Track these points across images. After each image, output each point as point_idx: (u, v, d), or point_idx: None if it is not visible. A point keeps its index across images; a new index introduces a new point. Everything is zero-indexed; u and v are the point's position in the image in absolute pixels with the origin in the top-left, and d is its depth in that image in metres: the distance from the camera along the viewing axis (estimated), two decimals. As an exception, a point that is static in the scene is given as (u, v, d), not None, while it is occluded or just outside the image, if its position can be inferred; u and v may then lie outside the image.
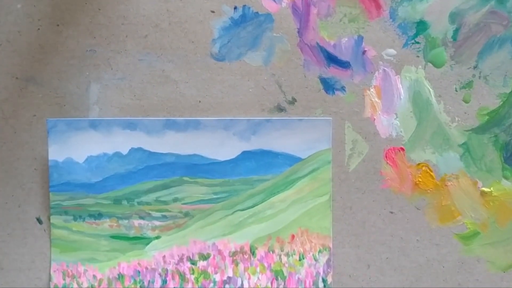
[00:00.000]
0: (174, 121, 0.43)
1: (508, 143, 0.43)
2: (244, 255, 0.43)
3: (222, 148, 0.43)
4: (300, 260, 0.43)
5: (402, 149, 0.43)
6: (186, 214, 0.43)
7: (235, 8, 0.42)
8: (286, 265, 0.43)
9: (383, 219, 0.43)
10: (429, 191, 0.43)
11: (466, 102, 0.43)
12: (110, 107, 0.43)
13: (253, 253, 0.43)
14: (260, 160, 0.43)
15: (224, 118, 0.43)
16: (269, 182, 0.43)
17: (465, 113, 0.43)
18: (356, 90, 0.43)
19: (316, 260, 0.43)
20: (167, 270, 0.43)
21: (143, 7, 0.42)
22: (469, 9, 0.43)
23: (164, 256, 0.43)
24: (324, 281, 0.43)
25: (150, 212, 0.43)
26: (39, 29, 0.42)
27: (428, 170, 0.43)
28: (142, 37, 0.42)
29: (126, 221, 0.43)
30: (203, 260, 0.43)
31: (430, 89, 0.43)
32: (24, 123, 0.43)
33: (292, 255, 0.43)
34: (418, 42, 0.43)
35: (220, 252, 0.43)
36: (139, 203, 0.43)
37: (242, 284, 0.43)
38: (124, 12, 0.42)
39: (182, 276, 0.43)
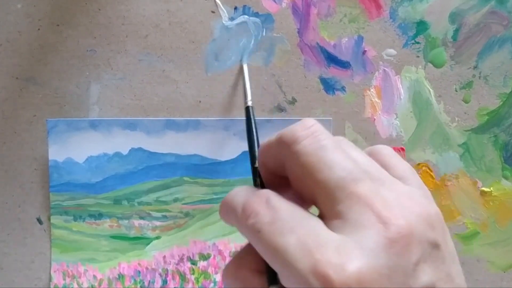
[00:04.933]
0: (174, 121, 0.43)
1: (508, 143, 0.43)
2: (245, 255, 0.43)
3: (223, 148, 0.43)
4: (300, 260, 0.43)
5: (402, 149, 0.43)
6: (187, 214, 0.43)
7: (235, 8, 0.42)
8: (286, 265, 0.43)
9: (383, 219, 0.43)
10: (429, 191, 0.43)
11: (466, 102, 0.43)
12: (110, 107, 0.43)
13: (253, 253, 0.43)
14: (260, 160, 0.43)
15: (224, 118, 0.43)
16: (269, 182, 0.43)
17: (465, 113, 0.43)
18: (356, 90, 0.43)
19: (316, 260, 0.43)
20: (167, 270, 0.43)
21: (143, 7, 0.42)
22: (469, 9, 0.43)
23: (164, 256, 0.43)
24: (324, 281, 0.43)
25: (151, 212, 0.43)
26: (39, 29, 0.42)
27: (428, 170, 0.43)
28: (142, 37, 0.42)
29: (126, 221, 0.43)
30: (204, 260, 0.43)
31: (430, 89, 0.43)
32: (24, 123, 0.43)
33: (292, 255, 0.43)
34: (418, 42, 0.43)
35: (220, 252, 0.43)
36: (139, 203, 0.43)
37: (242, 284, 0.43)
38: (124, 12, 0.42)
39: (183, 276, 0.43)
